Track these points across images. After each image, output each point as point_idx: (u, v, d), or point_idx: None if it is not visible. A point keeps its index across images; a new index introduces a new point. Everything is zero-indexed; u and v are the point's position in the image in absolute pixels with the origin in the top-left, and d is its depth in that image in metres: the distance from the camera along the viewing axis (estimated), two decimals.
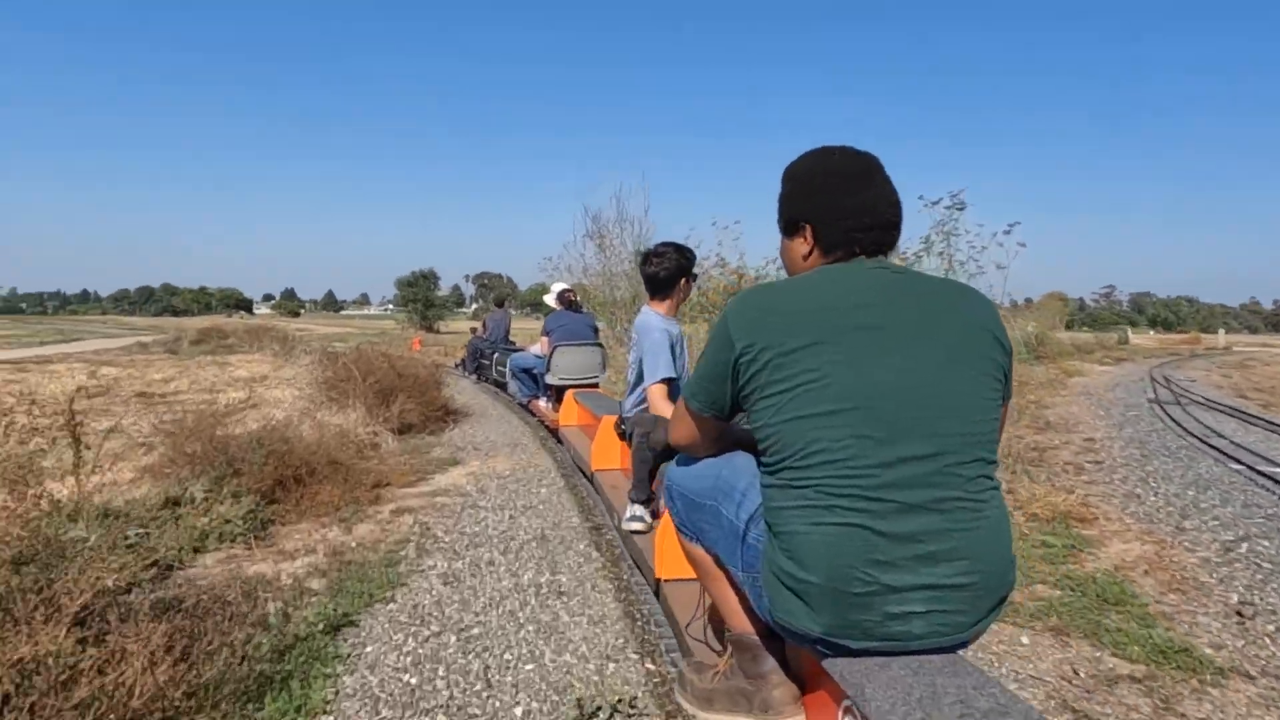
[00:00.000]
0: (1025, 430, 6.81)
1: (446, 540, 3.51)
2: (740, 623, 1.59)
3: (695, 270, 3.24)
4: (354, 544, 3.41)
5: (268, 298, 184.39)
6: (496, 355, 10.60)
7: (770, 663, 1.53)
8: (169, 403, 8.74)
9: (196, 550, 3.26)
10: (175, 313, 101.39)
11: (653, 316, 3.19)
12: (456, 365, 14.01)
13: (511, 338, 11.82)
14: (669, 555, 2.46)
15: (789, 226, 1.55)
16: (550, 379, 6.67)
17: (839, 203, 1.45)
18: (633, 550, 3.01)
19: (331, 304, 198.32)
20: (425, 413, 6.77)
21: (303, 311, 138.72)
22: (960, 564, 1.23)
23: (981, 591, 1.26)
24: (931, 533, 1.22)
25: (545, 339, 6.94)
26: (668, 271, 3.17)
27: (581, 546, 3.45)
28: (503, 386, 9.84)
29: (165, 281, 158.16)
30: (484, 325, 12.46)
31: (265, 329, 21.49)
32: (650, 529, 3.01)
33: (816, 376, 1.28)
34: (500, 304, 13.93)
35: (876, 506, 1.22)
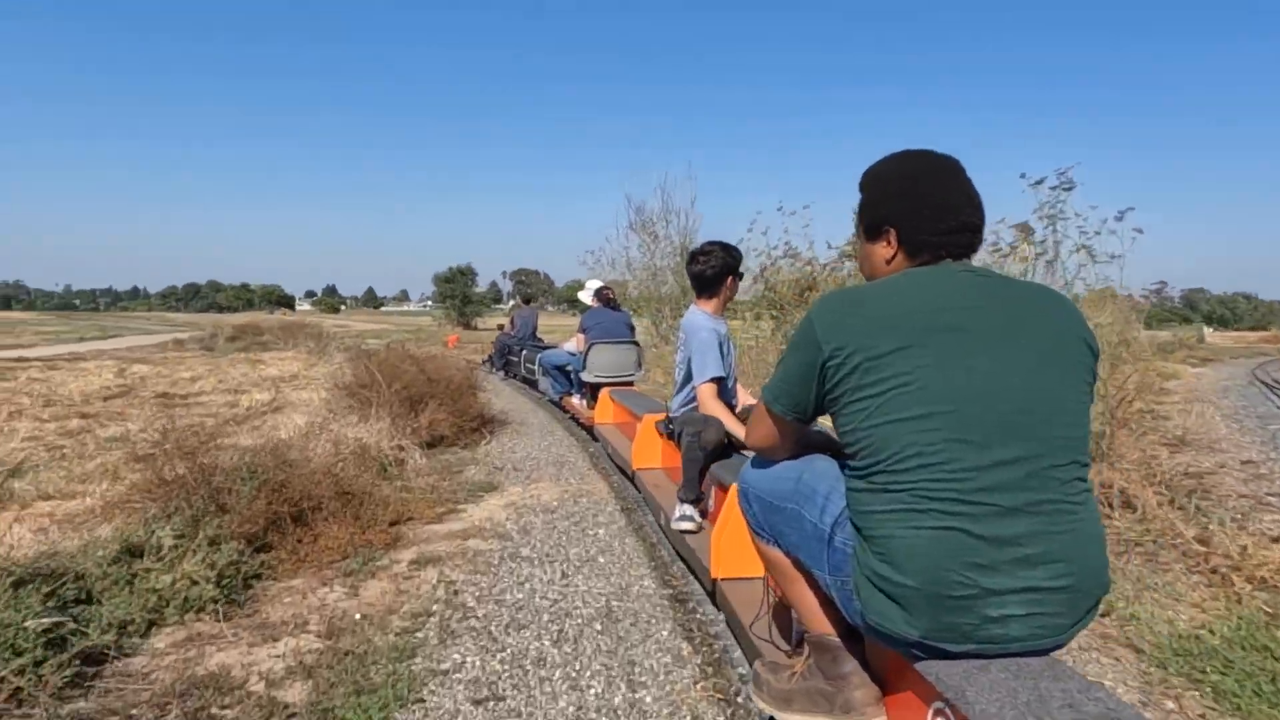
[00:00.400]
0: (1157, 447, 5.77)
1: (480, 614, 2.61)
2: (820, 624, 1.58)
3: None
4: (358, 615, 2.56)
5: (310, 294, 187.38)
6: (525, 352, 10.58)
7: (851, 664, 1.52)
8: (190, 405, 8.09)
9: (151, 624, 2.44)
10: (219, 309, 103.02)
11: (700, 315, 3.19)
12: (484, 362, 14.00)
13: (540, 334, 11.90)
14: (725, 555, 2.47)
15: (871, 230, 1.54)
16: (586, 376, 6.63)
17: (924, 205, 1.45)
18: (684, 550, 2.96)
19: (372, 300, 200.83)
20: (459, 423, 5.94)
21: (343, 308, 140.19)
22: (1058, 566, 1.23)
23: (1079, 594, 1.26)
24: (1030, 536, 1.23)
25: (581, 336, 6.88)
26: (714, 270, 3.19)
27: (665, 634, 2.47)
28: (531, 383, 9.96)
29: (211, 278, 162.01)
30: (512, 322, 12.48)
31: (300, 326, 20.92)
32: (700, 528, 3.00)
33: (909, 380, 1.28)
34: (528, 301, 13.88)
35: (973, 510, 1.22)
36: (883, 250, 1.52)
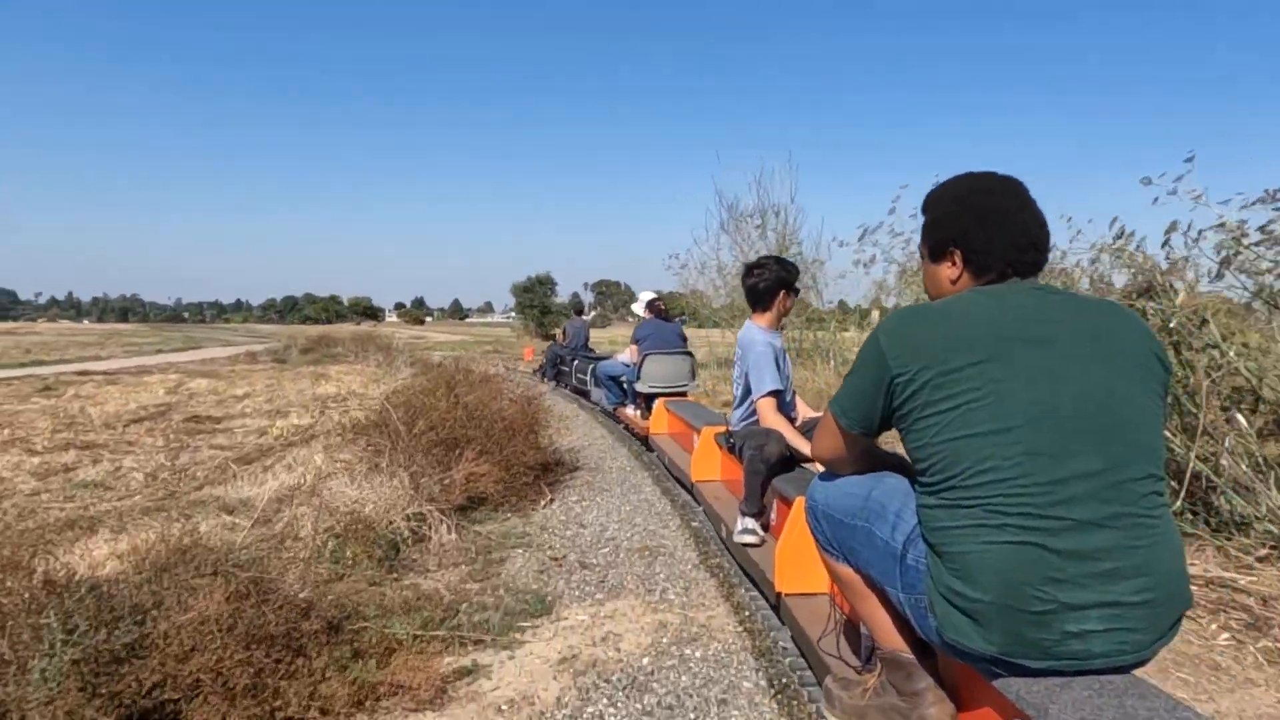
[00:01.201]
0: None
1: None
2: (892, 640, 1.57)
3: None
4: None
5: (399, 306, 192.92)
6: (576, 362, 10.67)
7: (925, 680, 1.51)
8: (216, 431, 7.26)
9: None
10: (314, 320, 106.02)
11: (755, 330, 3.25)
12: (535, 371, 14.09)
13: (591, 345, 12.04)
14: (789, 569, 2.45)
15: (936, 251, 1.55)
16: (640, 387, 6.66)
17: (988, 225, 1.46)
18: (747, 562, 2.93)
19: (457, 311, 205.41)
20: (509, 476, 4.27)
21: (428, 319, 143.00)
22: (1139, 581, 1.21)
23: (1161, 609, 1.24)
24: (1108, 549, 1.21)
25: (634, 347, 6.96)
26: (767, 284, 3.23)
27: None
28: (582, 393, 10.12)
29: (307, 291, 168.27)
30: (564, 333, 12.53)
31: (370, 337, 20.00)
32: (763, 541, 2.98)
33: (981, 394, 1.29)
34: (580, 312, 13.69)
35: (1050, 524, 1.21)
36: (948, 271, 1.53)
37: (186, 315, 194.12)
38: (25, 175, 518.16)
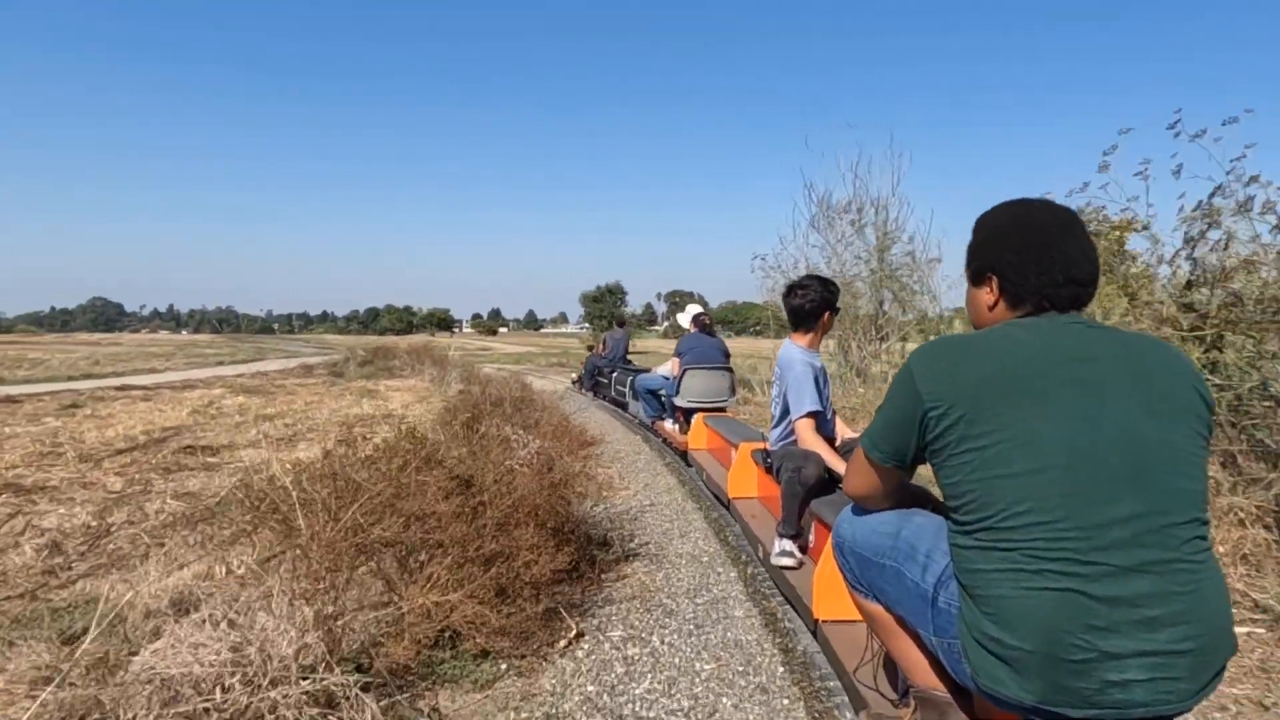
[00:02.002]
0: None
1: None
2: (925, 678, 1.55)
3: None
4: None
5: (475, 318, 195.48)
6: (615, 374, 10.66)
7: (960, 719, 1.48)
8: (214, 465, 6.18)
9: None
10: (389, 332, 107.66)
11: (794, 349, 3.20)
12: (574, 382, 14.15)
13: (629, 356, 12.12)
14: (827, 595, 2.39)
15: (976, 275, 1.53)
16: (679, 401, 6.60)
17: (1029, 255, 1.43)
18: (784, 586, 2.89)
19: (531, 322, 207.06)
20: (505, 599, 2.44)
21: (502, 330, 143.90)
22: (1182, 629, 1.18)
23: (1205, 658, 1.20)
24: (1150, 596, 1.17)
25: (676, 360, 6.89)
26: (813, 304, 3.20)
27: None
28: (620, 405, 10.07)
29: (389, 303, 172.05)
30: (603, 344, 12.45)
31: (428, 349, 18.93)
32: (800, 564, 2.94)
33: (1017, 432, 1.25)
34: (620, 324, 13.45)
35: (1089, 570, 1.18)
36: (985, 296, 1.51)
37: (276, 326, 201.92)
38: (142, 194, 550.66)
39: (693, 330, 7.23)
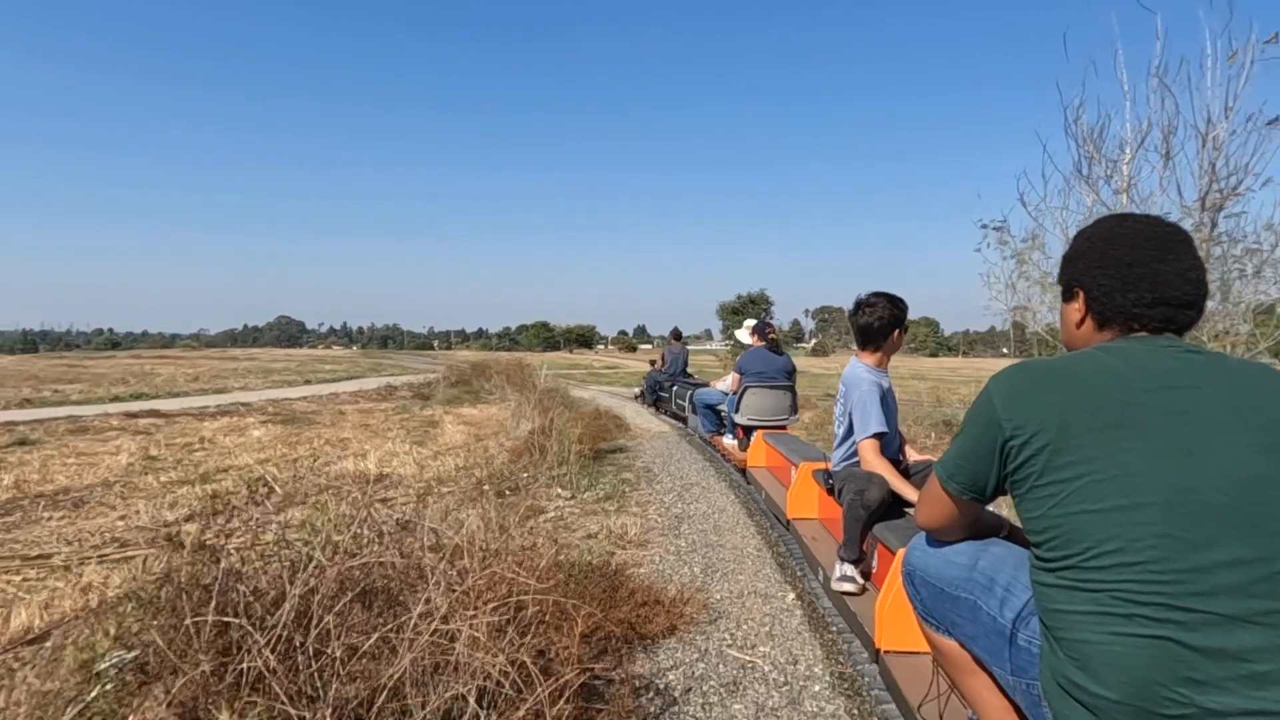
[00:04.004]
0: None
1: None
2: None
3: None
4: None
5: (621, 334, 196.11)
6: (675, 388, 10.72)
7: None
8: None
9: None
10: (525, 348, 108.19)
11: (861, 368, 3.15)
12: (636, 396, 14.58)
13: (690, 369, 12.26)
14: (891, 625, 2.33)
15: (1066, 289, 1.47)
16: (738, 418, 6.48)
17: (1116, 271, 1.35)
18: (844, 613, 2.84)
19: (677, 339, 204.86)
20: None
21: (645, 346, 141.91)
22: None
23: None
24: (1260, 650, 1.05)
25: (736, 376, 6.72)
26: (882, 322, 3.12)
27: None
28: (680, 419, 10.23)
29: (540, 319, 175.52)
30: (662, 358, 12.55)
31: (521, 367, 16.29)
32: (863, 590, 2.90)
33: (1107, 465, 1.16)
34: (678, 338, 13.35)
35: (1186, 617, 1.08)
36: (1073, 312, 1.45)
37: (435, 343, 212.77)
38: (322, 212, 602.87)
39: (755, 344, 6.82)
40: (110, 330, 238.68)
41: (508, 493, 5.46)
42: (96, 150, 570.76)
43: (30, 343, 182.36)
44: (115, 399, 14.88)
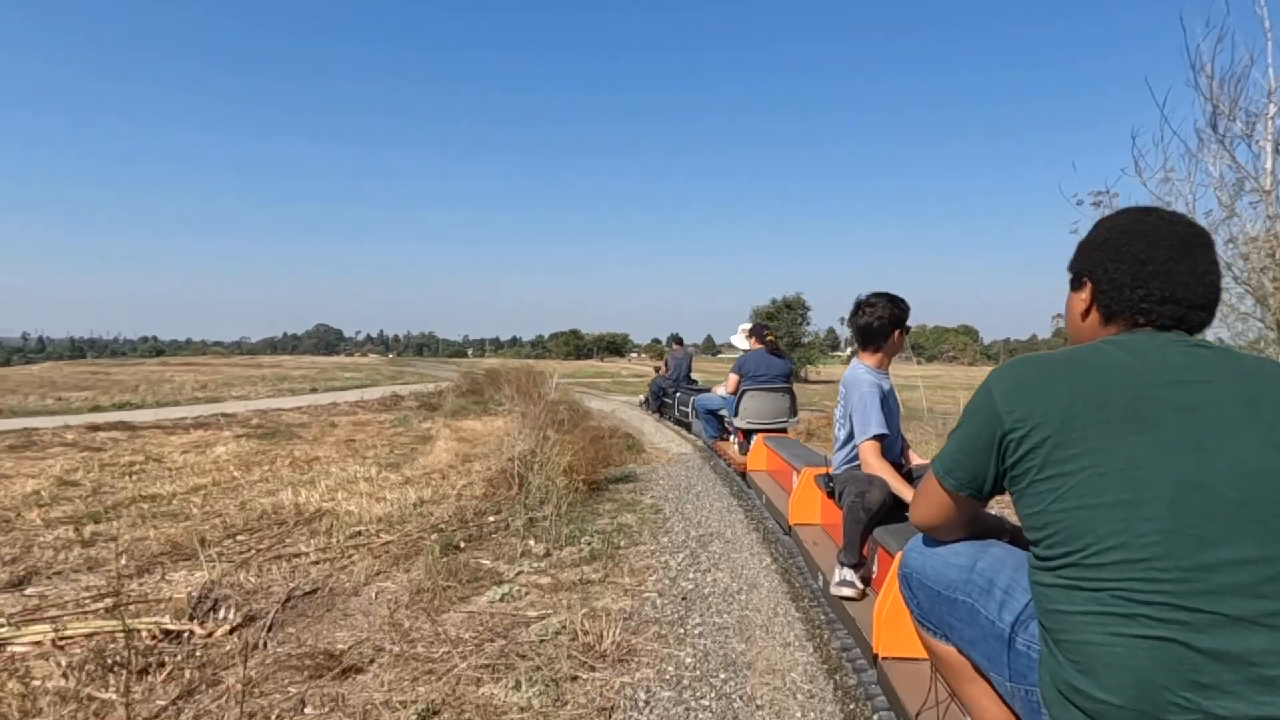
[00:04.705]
0: None
1: None
2: None
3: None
4: None
5: (655, 341, 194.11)
6: (679, 394, 10.68)
7: None
8: None
9: None
10: (554, 356, 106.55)
11: (861, 370, 3.09)
12: (641, 404, 14.36)
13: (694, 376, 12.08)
14: (889, 631, 2.27)
15: (1075, 278, 1.43)
16: (738, 422, 6.43)
17: (1128, 267, 1.31)
18: (844, 618, 2.79)
19: (710, 347, 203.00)
20: None
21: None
22: None
23: None
24: (1268, 653, 1.01)
25: (733, 378, 6.71)
26: (882, 322, 3.06)
27: None
28: (684, 425, 9.98)
29: (574, 327, 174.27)
30: (665, 364, 12.46)
31: (531, 377, 14.99)
32: (863, 595, 2.82)
33: (1111, 459, 1.11)
34: (680, 343, 12.97)
35: (1192, 618, 1.04)
36: (1079, 302, 1.41)
37: (470, 351, 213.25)
38: (358, 222, 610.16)
39: (753, 346, 6.77)
40: (155, 338, 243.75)
41: (461, 546, 4.09)
42: (139, 161, 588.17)
43: (79, 350, 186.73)
44: (96, 408, 14.04)
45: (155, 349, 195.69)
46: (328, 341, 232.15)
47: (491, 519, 4.71)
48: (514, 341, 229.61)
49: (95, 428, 10.07)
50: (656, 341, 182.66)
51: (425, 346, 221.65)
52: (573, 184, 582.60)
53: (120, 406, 14.48)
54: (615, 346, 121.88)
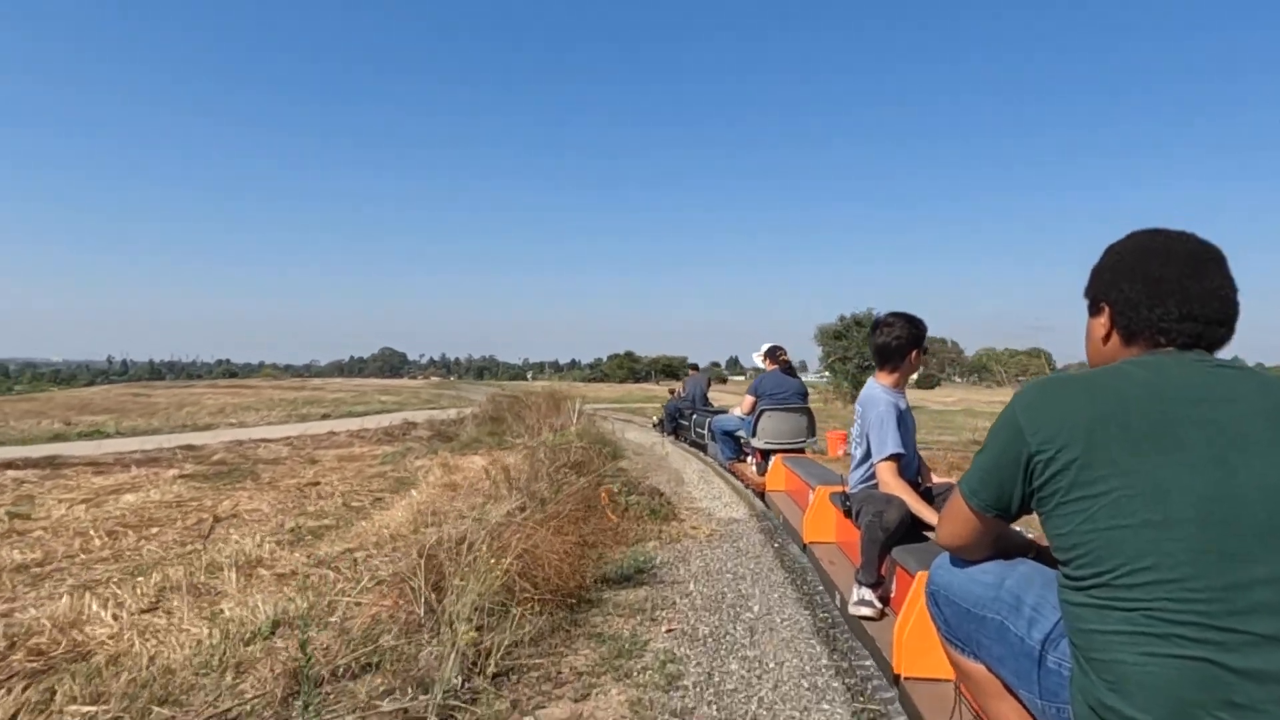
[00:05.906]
0: None
1: None
2: None
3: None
4: None
5: (714, 364, 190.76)
6: (695, 416, 10.77)
7: None
8: None
9: None
10: (610, 379, 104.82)
11: (878, 389, 3.08)
12: (655, 425, 14.36)
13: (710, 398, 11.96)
14: (911, 649, 2.25)
15: (1092, 303, 1.43)
16: (755, 442, 6.44)
17: (1144, 287, 1.30)
18: (862, 637, 2.77)
19: (694, 370, 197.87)
20: None
21: (738, 378, 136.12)
22: None
23: None
24: None
25: (749, 399, 6.74)
26: (899, 341, 3.07)
27: None
28: (700, 447, 10.06)
29: (629, 349, 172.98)
30: (683, 387, 12.63)
31: (555, 403, 12.83)
32: (880, 615, 2.82)
33: (1139, 480, 1.10)
34: (696, 368, 13.42)
35: (1225, 638, 1.02)
36: (1099, 327, 1.40)
37: (529, 375, 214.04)
38: (424, 251, 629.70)
39: (769, 367, 6.88)
40: (228, 361, 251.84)
41: None
42: (217, 193, 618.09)
43: (157, 372, 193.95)
44: (57, 437, 12.72)
45: (229, 371, 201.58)
46: (392, 365, 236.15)
47: (358, 686, 2.49)
48: (573, 364, 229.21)
49: (8, 465, 8.45)
50: (715, 364, 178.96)
51: (486, 369, 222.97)
52: (639, 211, 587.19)
53: (89, 435, 13.17)
54: (671, 369, 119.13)
